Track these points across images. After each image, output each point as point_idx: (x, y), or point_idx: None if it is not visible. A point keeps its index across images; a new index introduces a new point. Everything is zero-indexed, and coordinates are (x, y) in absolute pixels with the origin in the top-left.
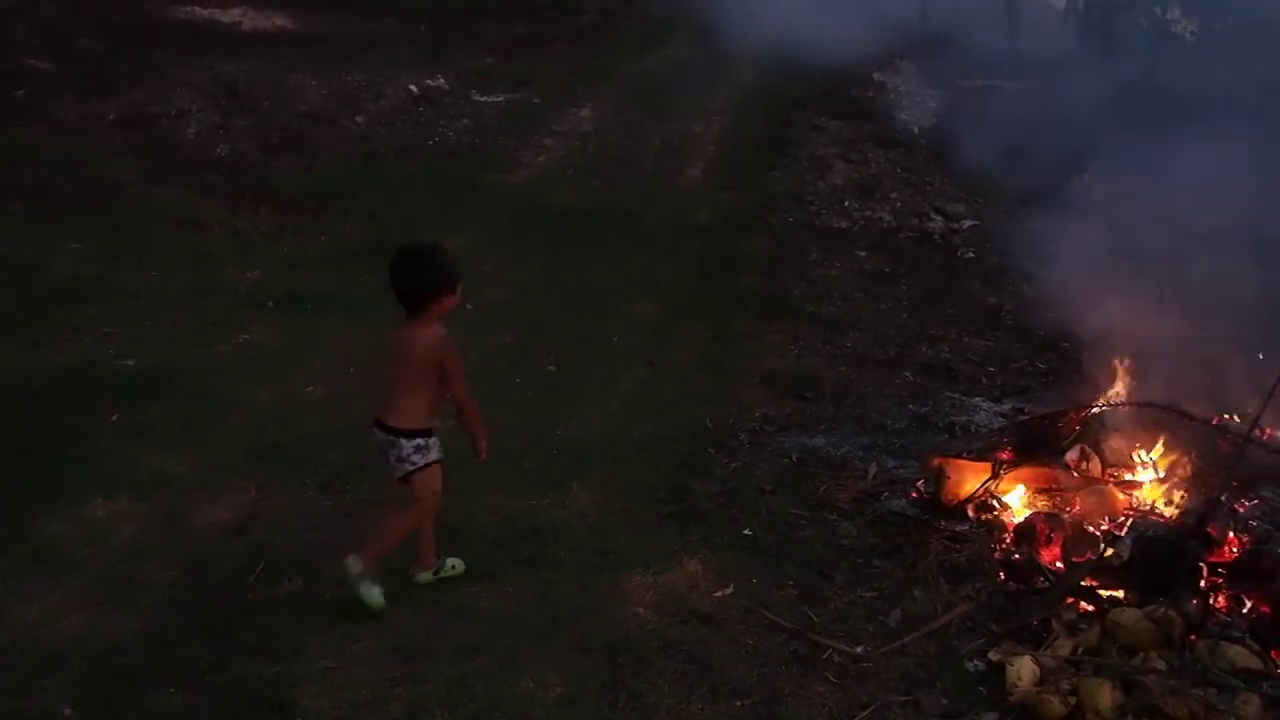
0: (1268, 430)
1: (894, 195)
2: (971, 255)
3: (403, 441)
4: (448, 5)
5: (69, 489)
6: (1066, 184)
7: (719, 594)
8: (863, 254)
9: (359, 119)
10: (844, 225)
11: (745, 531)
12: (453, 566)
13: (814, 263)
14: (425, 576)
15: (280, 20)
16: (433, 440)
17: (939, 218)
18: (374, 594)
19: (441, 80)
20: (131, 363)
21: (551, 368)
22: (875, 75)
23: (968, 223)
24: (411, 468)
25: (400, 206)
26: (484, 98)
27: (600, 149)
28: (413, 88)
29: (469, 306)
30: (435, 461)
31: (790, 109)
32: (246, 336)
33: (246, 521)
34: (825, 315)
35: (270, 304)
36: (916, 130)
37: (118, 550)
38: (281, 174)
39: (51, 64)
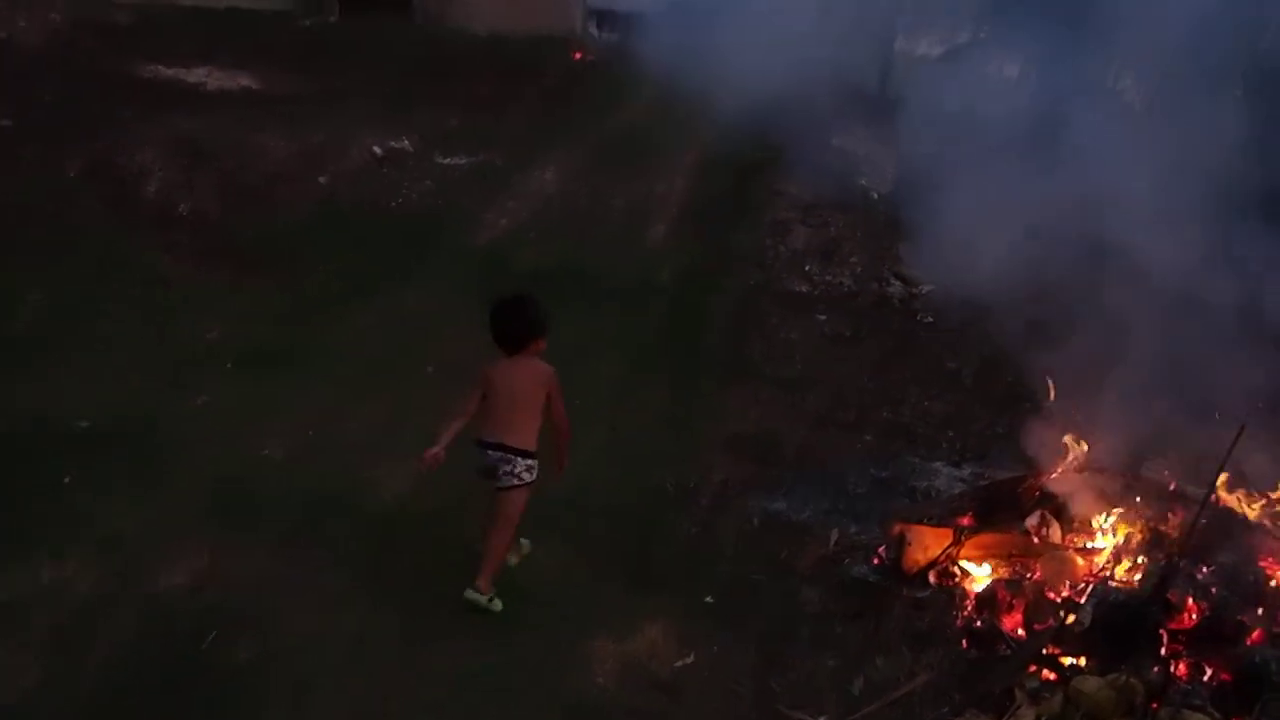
0: (1229, 495)
1: (854, 259)
2: (930, 319)
3: (518, 460)
4: (413, 67)
5: (19, 549)
6: (1022, 248)
7: (679, 663)
8: (823, 317)
9: (322, 179)
10: (804, 289)
11: (707, 598)
12: (497, 603)
13: (775, 325)
14: (476, 598)
15: (245, 80)
16: (536, 463)
17: (898, 282)
18: (497, 604)
19: (406, 141)
20: (86, 423)
21: None
22: (835, 140)
23: (926, 287)
24: (519, 483)
25: (362, 267)
26: (448, 159)
27: (564, 210)
28: (376, 148)
29: (430, 368)
30: (531, 483)
31: (752, 172)
32: (205, 396)
33: (202, 583)
34: (786, 378)
35: (229, 363)
36: (876, 195)
37: (69, 611)
38: (243, 232)
39: (12, 120)
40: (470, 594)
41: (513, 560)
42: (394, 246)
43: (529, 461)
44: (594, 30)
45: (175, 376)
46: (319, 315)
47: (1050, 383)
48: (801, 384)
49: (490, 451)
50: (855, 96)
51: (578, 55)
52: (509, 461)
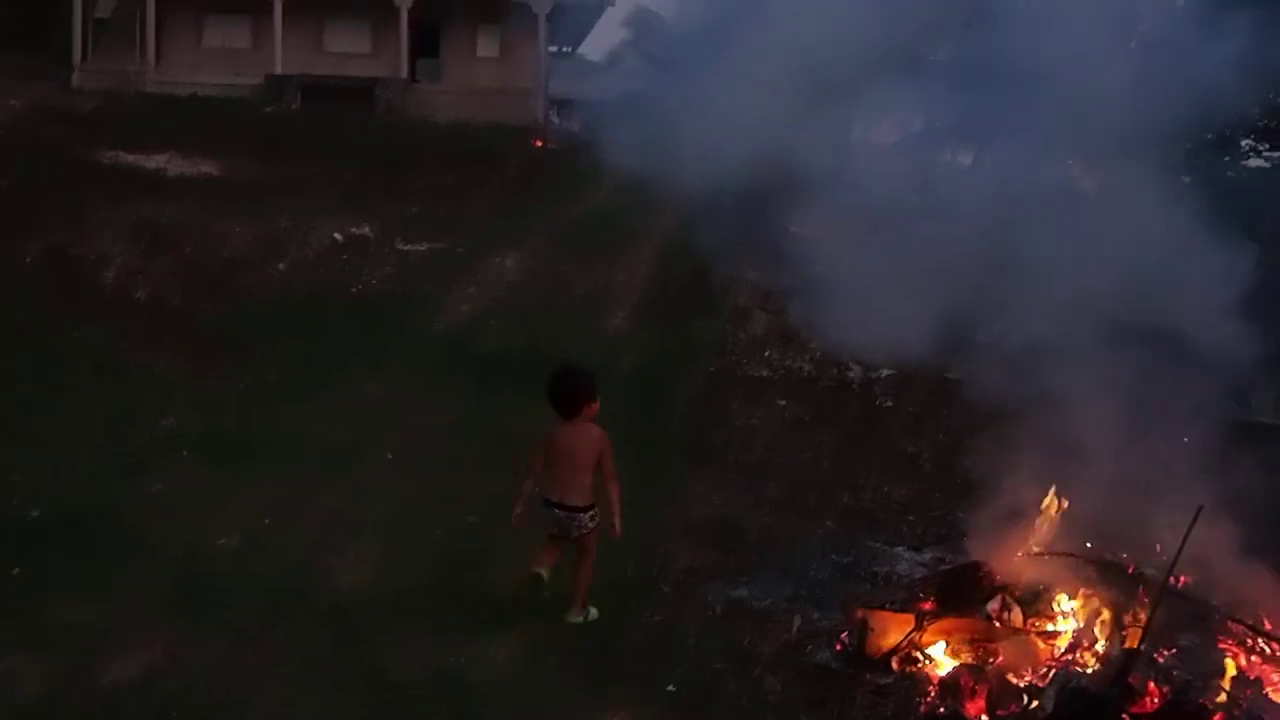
0: (1183, 578)
1: (813, 345)
2: (890, 404)
3: (582, 515)
4: (375, 155)
5: None
6: (976, 330)
7: None
8: (783, 403)
9: (282, 265)
10: (765, 374)
11: (669, 687)
12: (593, 612)
13: (736, 411)
14: (577, 619)
15: (206, 167)
16: (596, 509)
17: (857, 367)
18: (594, 612)
19: (367, 228)
20: (36, 513)
21: (473, 518)
22: (795, 227)
23: (885, 371)
24: (586, 531)
25: (322, 352)
26: (409, 246)
27: (524, 297)
28: (337, 235)
29: (389, 455)
30: (597, 525)
31: (712, 259)
32: (160, 484)
33: (156, 676)
34: (748, 463)
35: (185, 450)
36: (836, 280)
37: (19, 709)
38: (202, 318)
39: None
40: (571, 618)
41: (578, 619)
42: (354, 333)
43: (591, 512)
44: (555, 119)
45: (130, 465)
46: (278, 402)
47: (1012, 467)
48: (763, 469)
49: (559, 512)
50: (814, 183)
51: (538, 143)
52: (576, 519)
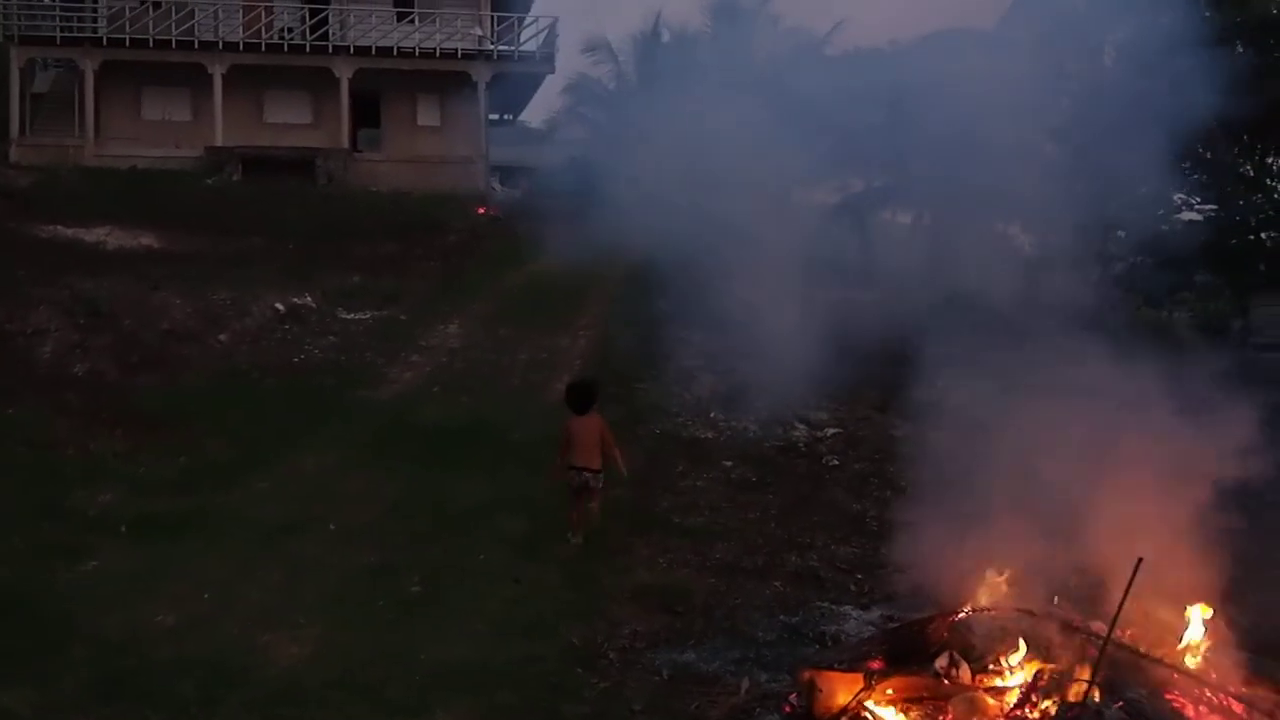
0: (1129, 631)
1: (758, 405)
2: (836, 462)
3: (598, 475)
4: (316, 225)
5: None
6: (921, 390)
7: None
8: (729, 464)
9: (223, 337)
10: (710, 436)
11: None
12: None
13: (682, 474)
14: (578, 540)
15: (147, 240)
16: (602, 472)
17: (802, 426)
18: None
19: (309, 298)
20: None
21: (416, 589)
22: (738, 288)
23: (831, 430)
24: (599, 485)
25: (263, 424)
26: (351, 315)
27: (468, 364)
28: (279, 305)
29: (332, 526)
30: (602, 485)
31: (656, 322)
32: (95, 563)
33: None
34: (694, 526)
35: (122, 528)
36: (779, 340)
37: None
38: (141, 393)
39: None
40: (573, 539)
41: (578, 540)
42: (295, 404)
43: (600, 474)
44: (497, 186)
45: (65, 544)
46: (217, 477)
47: (959, 523)
48: (709, 533)
49: (584, 473)
50: (755, 245)
51: (481, 210)
52: (595, 476)
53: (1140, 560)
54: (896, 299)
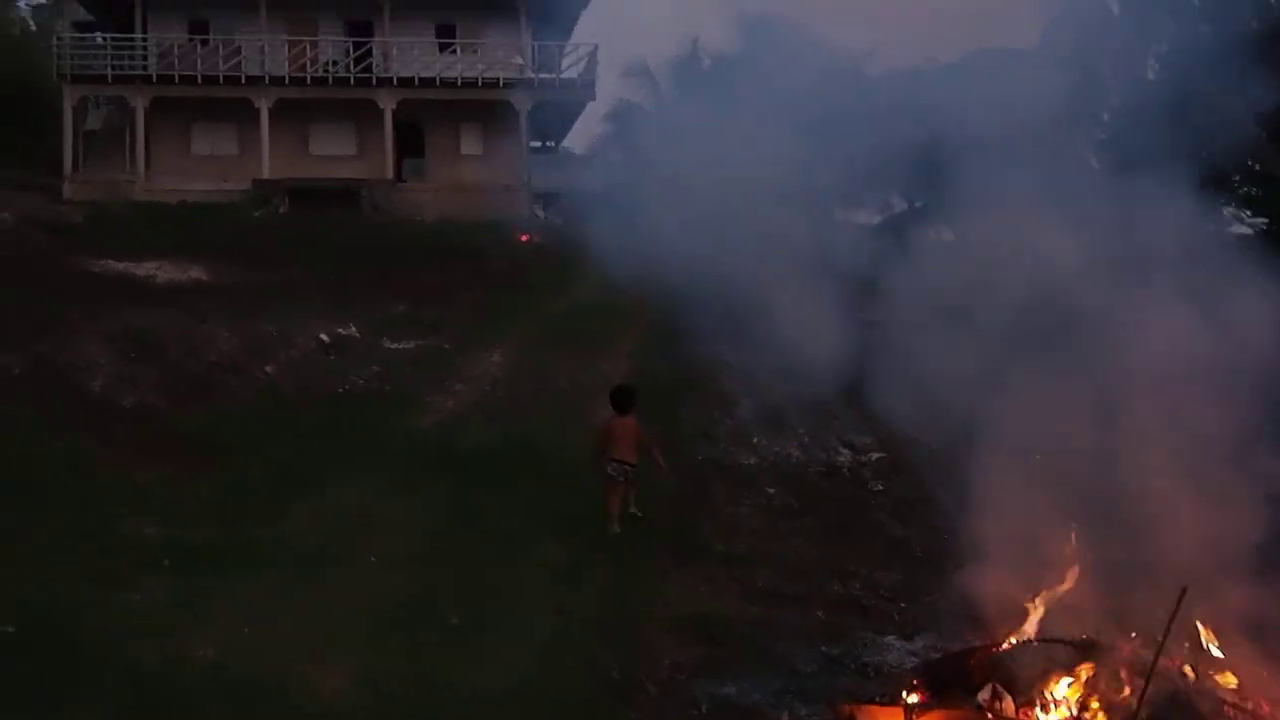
0: (1179, 659)
1: (801, 429)
2: (880, 488)
3: (634, 468)
4: (361, 255)
5: None
6: (970, 413)
7: None
8: (772, 490)
9: (268, 368)
10: (753, 461)
11: None
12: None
13: (723, 500)
14: (617, 529)
15: (195, 272)
16: (638, 465)
17: (846, 451)
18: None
19: (353, 328)
20: (11, 627)
21: (456, 619)
22: (780, 311)
23: (875, 455)
24: (631, 478)
25: (306, 454)
26: (395, 344)
27: (510, 391)
28: (323, 336)
29: (372, 557)
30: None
31: (697, 345)
32: (137, 595)
33: None
34: (735, 554)
35: (165, 560)
36: (823, 364)
37: None
38: (187, 424)
39: None
40: (633, 510)
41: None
42: (338, 434)
43: (636, 466)
44: (539, 212)
45: (109, 575)
46: (260, 508)
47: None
48: (751, 560)
49: (625, 466)
50: (799, 266)
51: (524, 238)
52: (632, 469)
53: (1185, 590)
54: (941, 319)
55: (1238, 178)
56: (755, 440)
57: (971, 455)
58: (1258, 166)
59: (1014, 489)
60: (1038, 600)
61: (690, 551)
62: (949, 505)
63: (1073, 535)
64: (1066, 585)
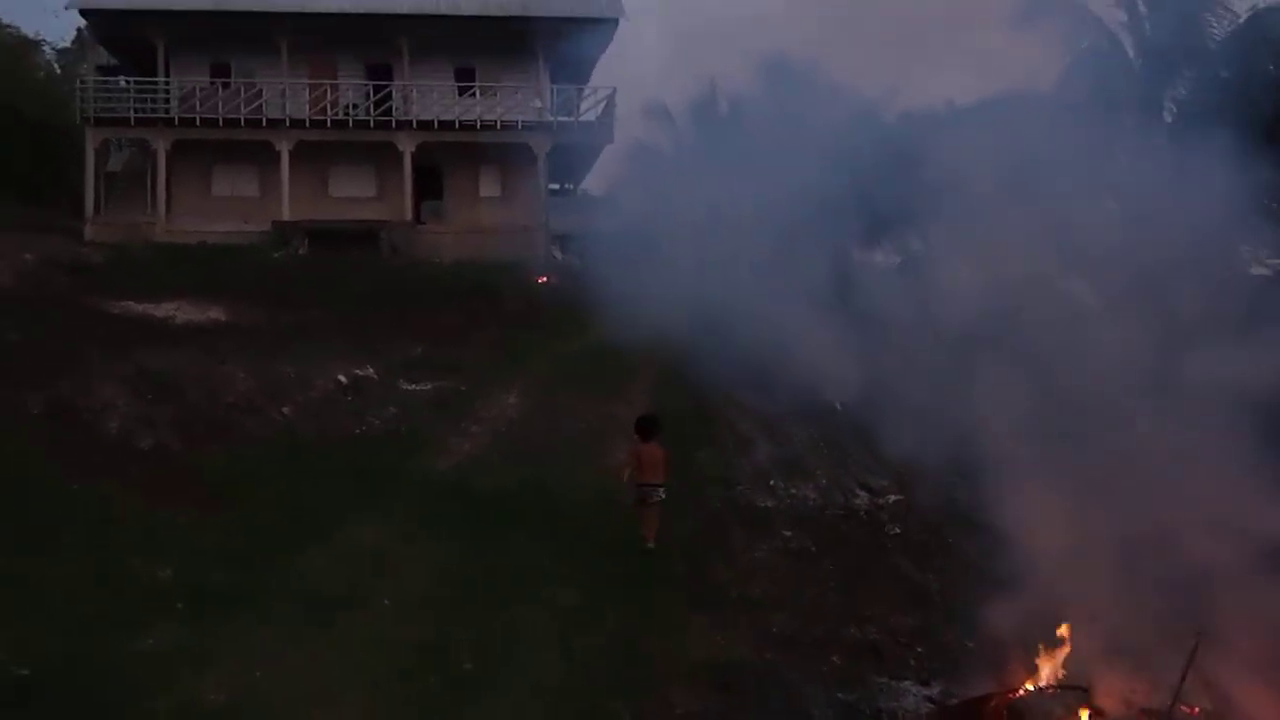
0: (1195, 708)
1: (818, 472)
2: (897, 531)
3: (660, 489)
4: (379, 297)
5: None
6: (985, 454)
7: None
8: (789, 533)
9: (286, 409)
10: (770, 504)
11: None
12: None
13: (739, 543)
14: (651, 544)
15: (215, 313)
16: (664, 486)
17: (864, 493)
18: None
19: (370, 369)
20: (26, 671)
21: (468, 665)
22: (797, 352)
23: (893, 497)
24: (662, 498)
25: (321, 497)
26: (412, 385)
27: (526, 433)
28: (341, 378)
29: (386, 601)
30: (664, 498)
31: (714, 389)
32: (152, 639)
33: None
34: (751, 598)
35: (179, 603)
36: (839, 405)
37: None
38: (203, 466)
39: None
40: (649, 545)
41: (650, 545)
42: (354, 476)
43: (662, 487)
44: (557, 254)
45: (124, 619)
46: (275, 551)
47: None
48: (767, 604)
49: (656, 489)
50: (815, 307)
51: (542, 279)
52: (657, 491)
53: (1200, 635)
54: (958, 359)
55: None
56: (772, 483)
57: (988, 497)
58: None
59: (1032, 532)
60: (1054, 646)
61: (705, 595)
62: (966, 549)
63: (1093, 582)
64: (1083, 632)
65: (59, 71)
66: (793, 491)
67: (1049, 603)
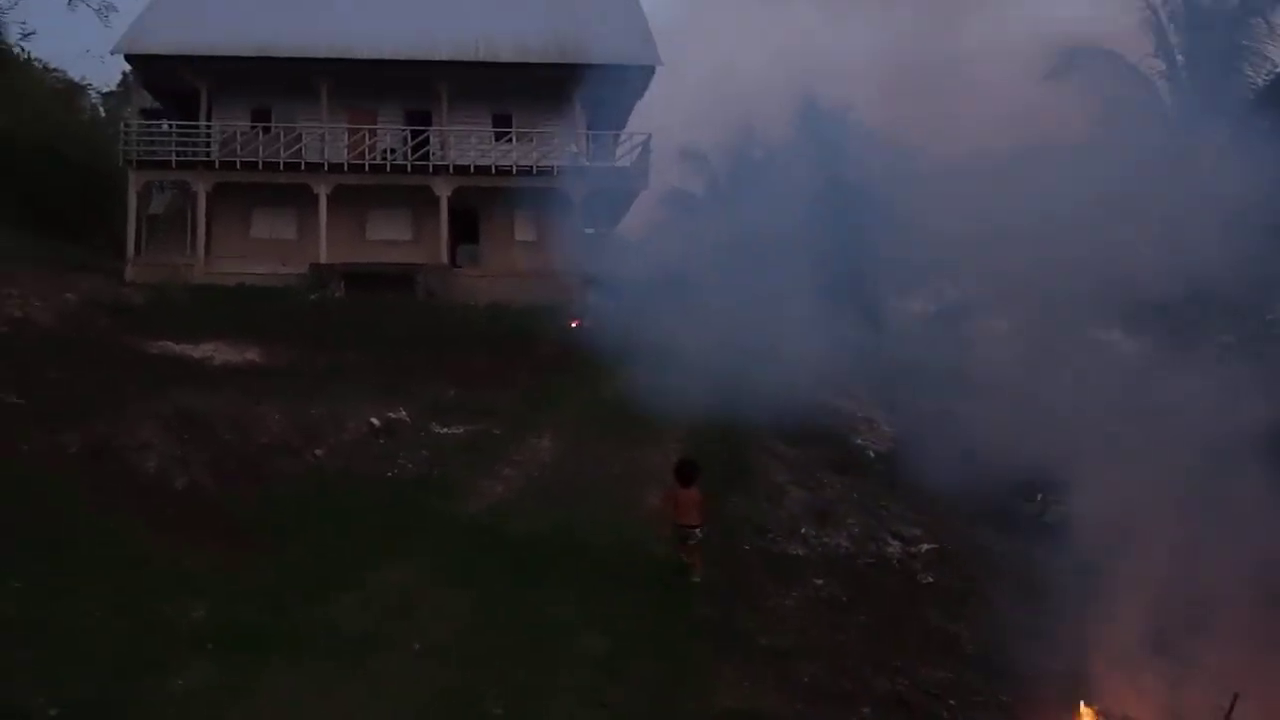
0: None
1: (851, 520)
2: (930, 580)
3: (697, 531)
4: (414, 339)
5: None
6: (1020, 504)
7: None
8: (819, 581)
9: (319, 450)
10: (801, 552)
11: None
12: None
13: (770, 592)
14: (696, 578)
15: (251, 354)
16: (700, 528)
17: (896, 542)
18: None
19: (403, 412)
20: (55, 711)
21: (498, 711)
22: (831, 400)
23: (925, 546)
24: (698, 539)
25: (352, 538)
26: (444, 429)
27: (559, 477)
28: (374, 420)
29: (416, 645)
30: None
31: (746, 436)
32: (181, 680)
33: None
34: (780, 648)
35: (209, 644)
36: (872, 454)
37: None
38: (236, 506)
39: (20, 397)
40: (694, 578)
41: (696, 579)
42: (385, 518)
43: (699, 529)
44: (592, 298)
45: (154, 660)
46: (307, 592)
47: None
48: (796, 654)
49: (694, 530)
50: (849, 355)
51: (576, 323)
52: (694, 532)
53: (1236, 696)
54: (993, 408)
55: None
56: (804, 530)
57: (1022, 546)
58: None
59: (1068, 583)
60: (1091, 700)
61: (735, 644)
62: (999, 599)
63: (1130, 635)
64: (1119, 686)
65: (104, 115)
66: (824, 539)
67: (1086, 658)
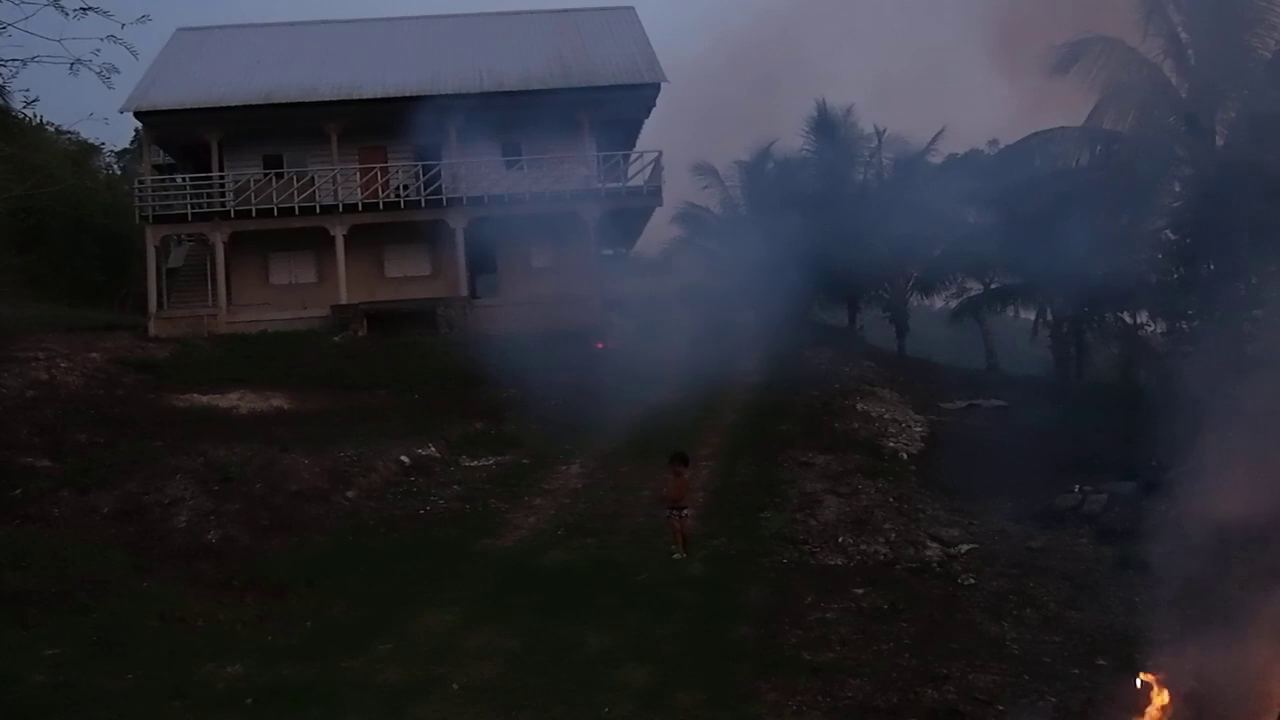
0: None
1: (888, 526)
2: (972, 581)
3: (686, 510)
4: (438, 375)
5: None
6: (1058, 497)
7: None
8: (860, 591)
9: (350, 494)
10: (839, 562)
11: None
12: (680, 554)
13: (810, 606)
14: (680, 554)
15: (277, 401)
16: (689, 508)
17: (935, 545)
18: (683, 554)
19: (433, 448)
20: None
21: None
22: (859, 405)
23: (965, 547)
24: (686, 518)
25: (388, 583)
26: (474, 462)
27: (590, 505)
28: (404, 458)
29: (455, 686)
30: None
31: (777, 447)
32: None
33: None
34: (823, 664)
35: (249, 700)
36: (905, 456)
37: None
38: (270, 557)
39: (50, 460)
40: (677, 555)
41: (678, 555)
42: (419, 559)
43: (688, 510)
44: (613, 319)
45: (195, 718)
46: (341, 641)
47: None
48: (840, 669)
49: (673, 507)
50: (876, 358)
51: (599, 345)
52: (684, 509)
53: None
54: (1021, 402)
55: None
56: (841, 540)
57: (1063, 540)
58: None
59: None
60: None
61: (776, 663)
62: (1044, 597)
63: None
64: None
65: (119, 172)
66: (862, 548)
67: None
